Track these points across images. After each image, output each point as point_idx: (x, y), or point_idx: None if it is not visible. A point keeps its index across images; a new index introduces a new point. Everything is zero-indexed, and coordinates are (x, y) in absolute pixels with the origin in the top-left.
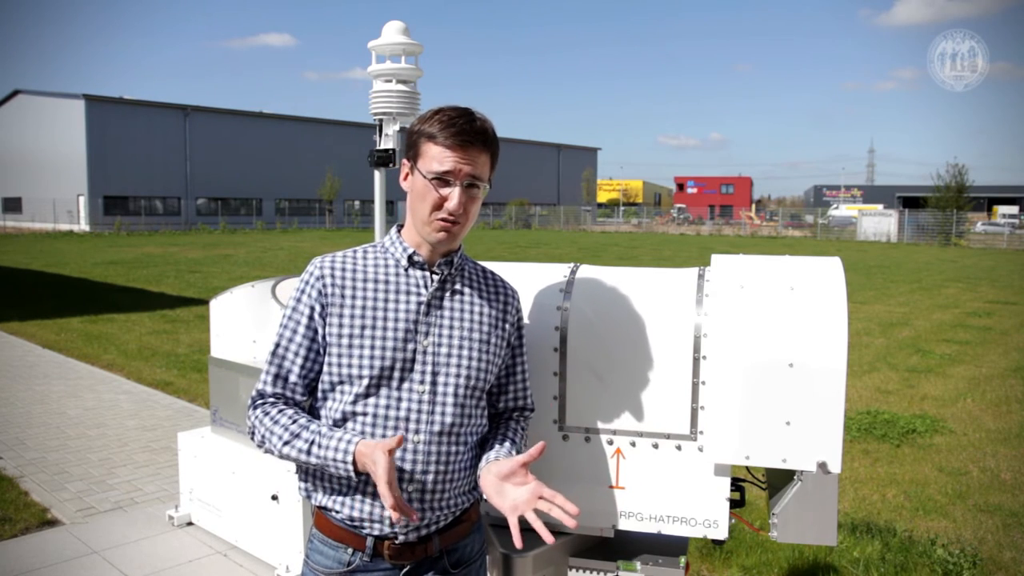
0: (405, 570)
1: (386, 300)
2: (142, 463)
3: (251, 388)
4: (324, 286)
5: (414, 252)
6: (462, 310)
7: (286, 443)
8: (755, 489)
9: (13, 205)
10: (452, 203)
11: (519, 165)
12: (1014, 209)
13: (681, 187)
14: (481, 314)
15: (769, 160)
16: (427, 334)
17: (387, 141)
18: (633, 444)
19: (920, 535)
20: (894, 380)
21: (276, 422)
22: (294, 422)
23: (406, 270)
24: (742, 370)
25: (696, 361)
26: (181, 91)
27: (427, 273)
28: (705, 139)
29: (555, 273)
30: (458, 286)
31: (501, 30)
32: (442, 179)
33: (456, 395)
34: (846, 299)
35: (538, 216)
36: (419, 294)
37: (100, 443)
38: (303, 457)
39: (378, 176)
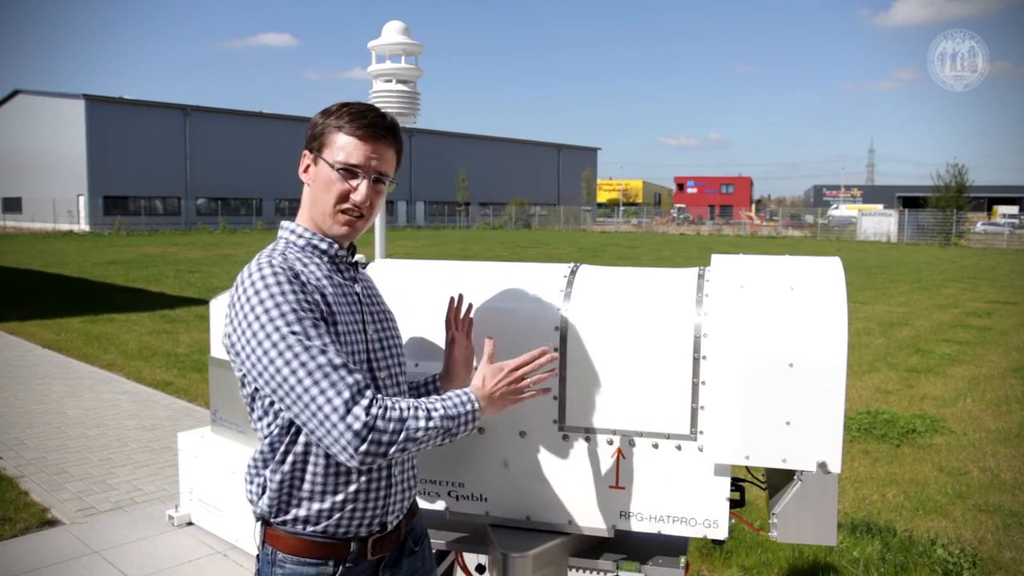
0: (384, 562)
1: (336, 296)
2: (142, 463)
3: None
4: (303, 284)
5: (338, 246)
6: (371, 295)
7: (428, 420)
8: (755, 489)
9: (13, 205)
10: (359, 196)
11: (519, 165)
12: (1014, 209)
13: (681, 187)
14: (379, 295)
15: (769, 160)
16: (370, 323)
17: None
18: (633, 444)
19: (920, 535)
20: (894, 380)
21: (402, 411)
22: (409, 406)
23: (336, 264)
24: (742, 370)
25: (696, 361)
26: (181, 91)
27: (347, 266)
28: (705, 139)
29: (555, 273)
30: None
31: (501, 30)
32: (350, 171)
33: (403, 375)
34: (846, 299)
35: (538, 216)
36: (352, 286)
37: (100, 443)
38: (443, 426)
39: None
